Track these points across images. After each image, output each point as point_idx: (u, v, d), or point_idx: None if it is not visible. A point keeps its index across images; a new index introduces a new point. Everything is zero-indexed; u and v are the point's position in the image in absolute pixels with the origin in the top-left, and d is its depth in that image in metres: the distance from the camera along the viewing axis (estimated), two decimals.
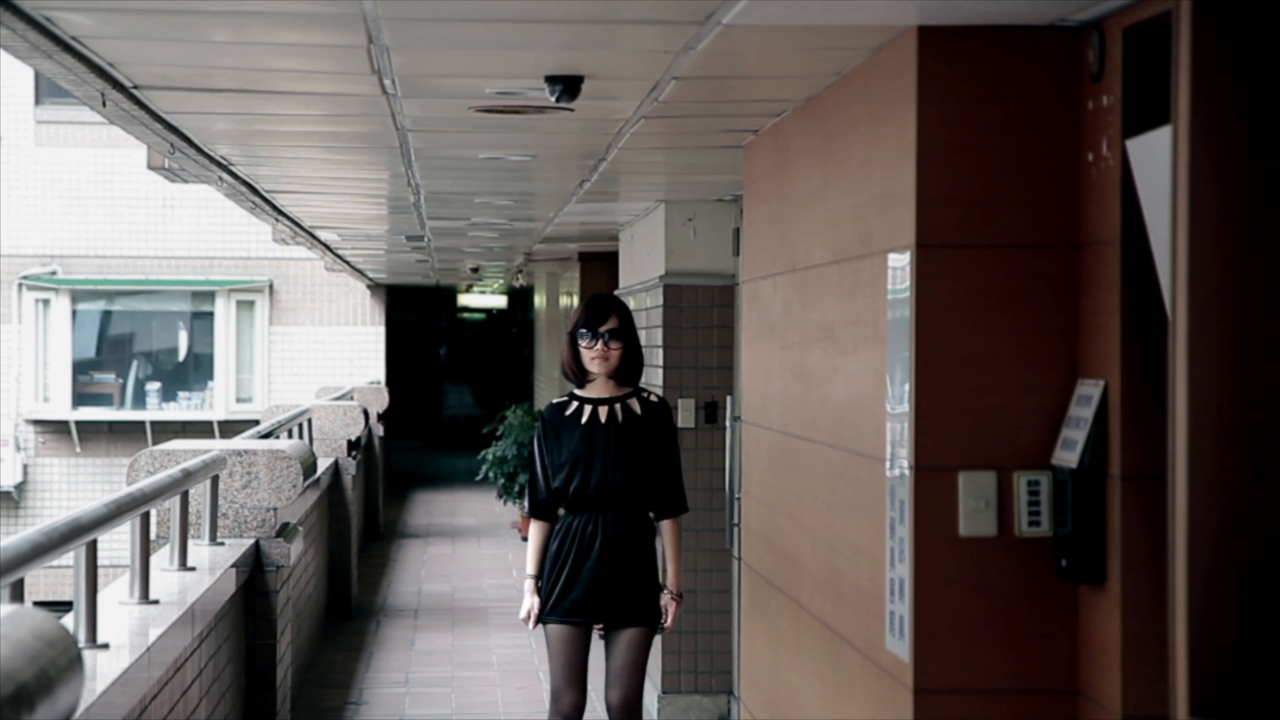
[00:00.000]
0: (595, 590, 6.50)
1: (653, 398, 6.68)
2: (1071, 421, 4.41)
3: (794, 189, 6.13)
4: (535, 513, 6.64)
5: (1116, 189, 4.25)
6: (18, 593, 4.38)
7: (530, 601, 6.61)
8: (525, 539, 17.77)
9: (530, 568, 6.65)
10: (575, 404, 6.65)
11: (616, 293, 12.23)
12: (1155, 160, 3.92)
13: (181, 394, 23.99)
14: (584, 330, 6.57)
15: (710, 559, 9.64)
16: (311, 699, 10.19)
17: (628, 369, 6.63)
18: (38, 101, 23.48)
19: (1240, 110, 3.60)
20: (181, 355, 24.26)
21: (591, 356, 6.56)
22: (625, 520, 6.53)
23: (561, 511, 6.65)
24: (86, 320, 24.04)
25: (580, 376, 6.64)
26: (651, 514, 6.67)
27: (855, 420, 5.15)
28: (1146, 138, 4.04)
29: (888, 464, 4.74)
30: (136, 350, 24.24)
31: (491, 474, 17.79)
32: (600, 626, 6.60)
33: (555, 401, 6.73)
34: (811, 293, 5.81)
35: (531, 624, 6.61)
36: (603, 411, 6.61)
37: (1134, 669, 4.20)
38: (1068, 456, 4.37)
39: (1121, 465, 4.23)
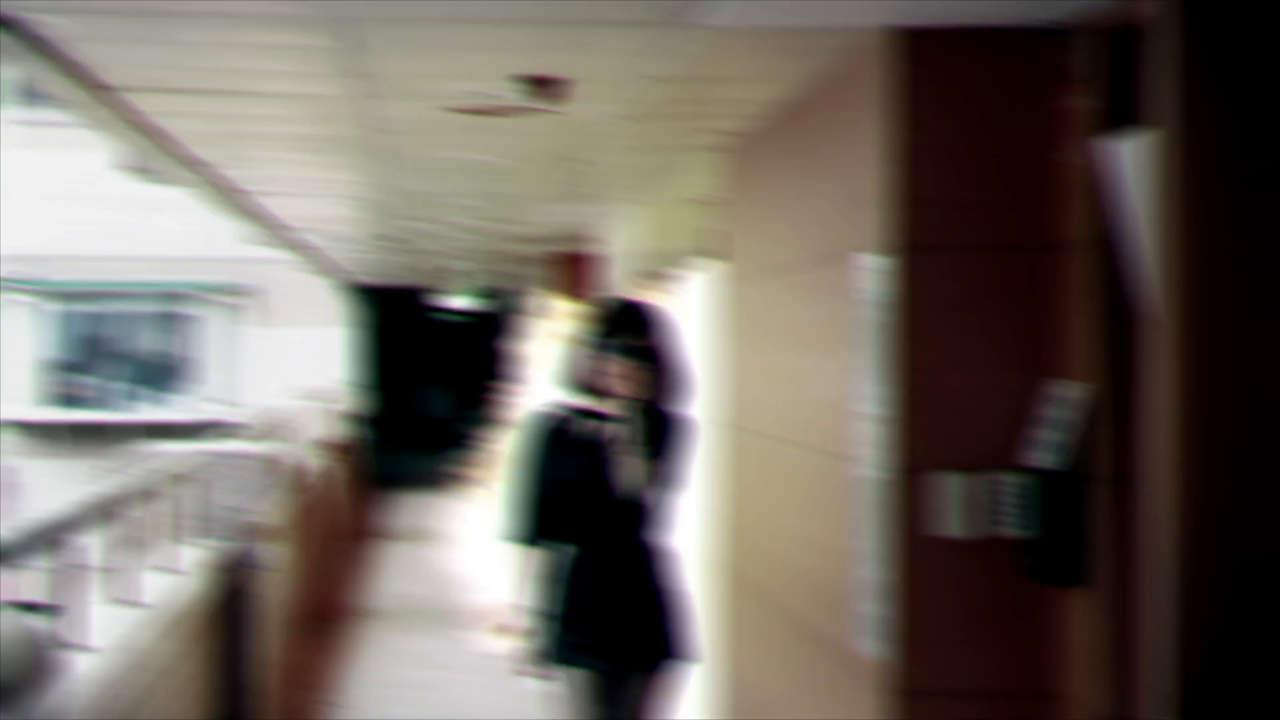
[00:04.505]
0: (610, 633, 5.48)
1: (674, 413, 5.55)
2: (1049, 423, 4.41)
3: (773, 191, 6.14)
4: (521, 538, 5.53)
5: (1095, 191, 4.26)
6: None
7: (516, 641, 5.62)
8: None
9: (518, 599, 5.58)
10: (573, 417, 5.52)
11: (602, 295, 12.18)
12: (1135, 162, 3.93)
13: (162, 396, 23.96)
14: (603, 342, 5.44)
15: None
16: (294, 701, 10.18)
17: (659, 393, 5.45)
18: (14, 103, 23.42)
19: (1222, 112, 3.60)
20: (162, 357, 24.22)
21: (610, 374, 5.42)
22: (636, 551, 5.49)
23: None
24: (65, 322, 23.99)
25: (591, 393, 5.49)
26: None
27: (832, 422, 5.15)
28: (1126, 140, 4.05)
29: (866, 466, 4.75)
30: (116, 352, 24.20)
31: None
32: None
33: (548, 412, 5.58)
34: (791, 294, 5.81)
35: (521, 668, 5.64)
36: (605, 427, 5.47)
37: (1112, 671, 4.21)
38: (1045, 458, 4.37)
39: (1099, 467, 4.24)
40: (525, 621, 5.55)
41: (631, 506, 5.43)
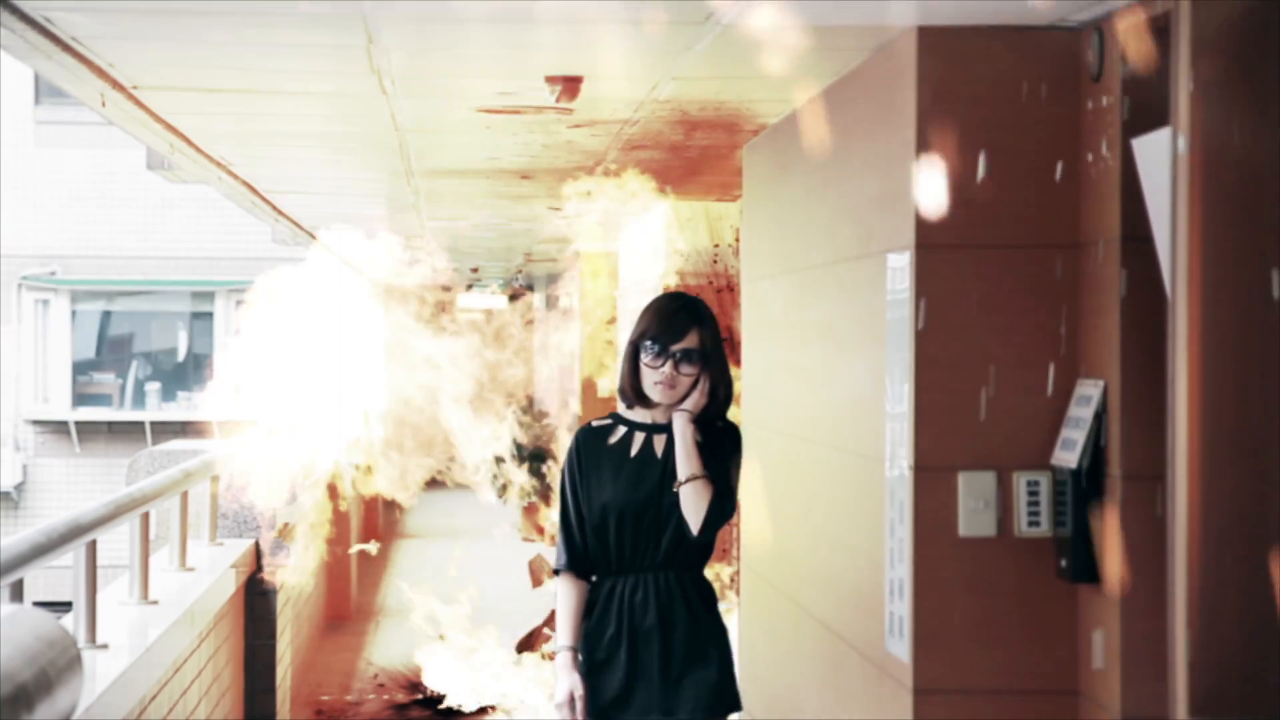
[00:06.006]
0: (655, 680, 4.75)
1: (718, 422, 4.81)
2: (1071, 421, 4.41)
3: (794, 189, 6.13)
4: (567, 567, 4.83)
5: (1116, 189, 4.25)
6: (17, 593, 4.39)
7: (570, 681, 4.76)
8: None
9: (565, 639, 4.79)
10: (622, 429, 4.83)
11: (616, 294, 12.12)
12: (1158, 160, 3.92)
13: (181, 394, 23.99)
14: (649, 343, 4.73)
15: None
16: (311, 699, 10.18)
17: (705, 404, 4.73)
18: (37, 101, 23.47)
19: (1239, 110, 3.60)
20: (181, 355, 24.25)
21: (655, 380, 4.70)
22: (685, 583, 4.77)
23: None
24: (86, 320, 24.03)
25: (638, 400, 4.80)
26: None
27: (855, 421, 5.15)
28: (1150, 137, 4.04)
29: (887, 464, 4.74)
30: (136, 350, 24.23)
31: None
32: None
33: (594, 424, 4.91)
34: (811, 293, 5.81)
35: (578, 714, 4.75)
36: (659, 441, 4.78)
37: (1133, 669, 4.20)
38: (1067, 457, 4.37)
39: (1121, 465, 4.24)
40: (576, 659, 4.82)
41: (688, 531, 4.71)
